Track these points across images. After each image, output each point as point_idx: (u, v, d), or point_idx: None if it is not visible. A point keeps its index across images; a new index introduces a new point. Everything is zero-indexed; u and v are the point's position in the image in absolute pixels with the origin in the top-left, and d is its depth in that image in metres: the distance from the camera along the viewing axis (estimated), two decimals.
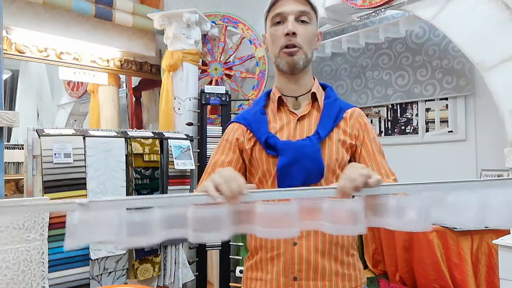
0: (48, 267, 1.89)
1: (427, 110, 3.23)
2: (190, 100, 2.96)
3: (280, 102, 1.11)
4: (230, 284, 2.83)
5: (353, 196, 0.79)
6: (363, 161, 1.07)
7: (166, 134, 2.61)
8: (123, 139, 2.33)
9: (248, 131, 1.10)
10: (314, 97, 1.10)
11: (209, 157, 1.19)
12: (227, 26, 3.30)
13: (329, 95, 1.12)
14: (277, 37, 1.05)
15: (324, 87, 1.16)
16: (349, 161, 1.09)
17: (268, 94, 1.16)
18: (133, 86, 3.69)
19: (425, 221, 0.77)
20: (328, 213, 0.79)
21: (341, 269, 1.04)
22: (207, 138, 2.89)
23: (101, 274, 2.17)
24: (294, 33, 1.03)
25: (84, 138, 2.16)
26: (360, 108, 1.16)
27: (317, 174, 1.01)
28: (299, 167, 1.00)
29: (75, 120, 4.00)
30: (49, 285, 1.90)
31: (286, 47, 1.04)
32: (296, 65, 1.05)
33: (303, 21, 1.05)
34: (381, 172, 1.06)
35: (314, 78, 1.14)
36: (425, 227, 0.77)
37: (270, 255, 1.05)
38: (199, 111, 2.96)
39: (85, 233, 0.71)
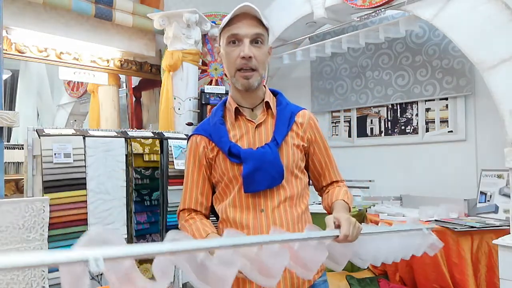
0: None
1: (427, 110, 3.23)
2: (190, 100, 2.96)
3: (237, 112, 1.17)
4: None
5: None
6: (316, 157, 1.22)
7: (166, 134, 2.61)
8: (123, 139, 2.33)
9: (210, 141, 1.17)
10: (267, 105, 1.18)
11: None
12: None
13: (280, 102, 1.20)
14: (233, 58, 1.11)
15: (274, 93, 1.24)
16: (305, 160, 1.22)
17: (224, 104, 1.22)
18: (133, 86, 3.69)
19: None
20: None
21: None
22: None
23: (101, 274, 2.16)
24: (250, 57, 1.08)
25: (84, 138, 2.16)
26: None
27: (279, 178, 1.11)
28: (263, 173, 1.08)
29: (75, 120, 4.00)
30: (49, 285, 1.89)
31: (242, 69, 1.10)
32: (251, 86, 1.12)
33: (257, 43, 1.11)
34: (335, 173, 1.26)
35: (264, 86, 1.21)
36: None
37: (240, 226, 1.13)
38: (199, 111, 2.96)
39: None
